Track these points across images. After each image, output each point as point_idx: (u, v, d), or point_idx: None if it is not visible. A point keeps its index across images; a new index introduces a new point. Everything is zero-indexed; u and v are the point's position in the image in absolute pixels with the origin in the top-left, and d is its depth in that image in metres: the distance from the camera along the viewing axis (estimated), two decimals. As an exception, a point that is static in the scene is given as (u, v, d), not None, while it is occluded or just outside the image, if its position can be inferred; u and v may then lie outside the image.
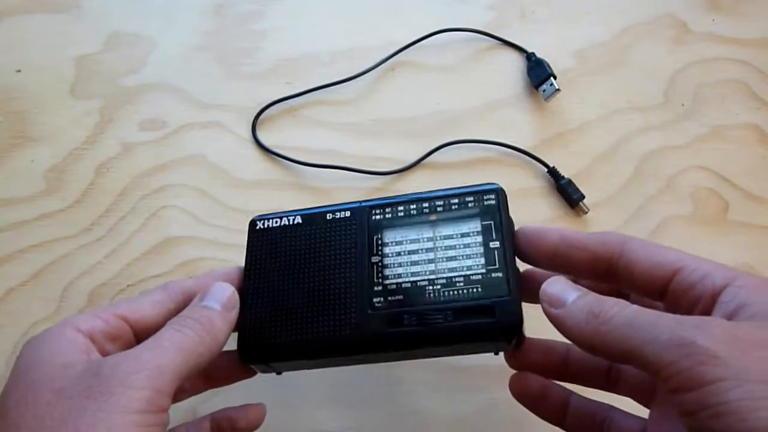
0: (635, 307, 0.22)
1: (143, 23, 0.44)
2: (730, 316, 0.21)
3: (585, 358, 0.29)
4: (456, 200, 0.30)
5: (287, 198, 0.41)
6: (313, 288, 0.29)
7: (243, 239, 0.31)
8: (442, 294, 0.28)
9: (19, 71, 0.42)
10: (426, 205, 0.30)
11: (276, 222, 0.31)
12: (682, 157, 0.43)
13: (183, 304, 0.28)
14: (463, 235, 0.29)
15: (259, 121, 0.42)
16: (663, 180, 0.43)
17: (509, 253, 0.28)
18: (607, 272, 0.26)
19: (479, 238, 0.29)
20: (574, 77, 0.44)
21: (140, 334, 0.27)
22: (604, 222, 0.42)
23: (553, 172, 0.42)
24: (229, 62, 0.43)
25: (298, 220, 0.31)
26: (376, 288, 0.29)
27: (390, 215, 0.30)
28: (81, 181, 0.41)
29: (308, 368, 0.30)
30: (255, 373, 0.30)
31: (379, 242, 0.30)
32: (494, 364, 0.38)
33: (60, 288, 0.39)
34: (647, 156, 0.43)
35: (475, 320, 0.27)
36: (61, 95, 0.42)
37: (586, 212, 0.41)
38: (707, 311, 0.22)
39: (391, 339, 0.28)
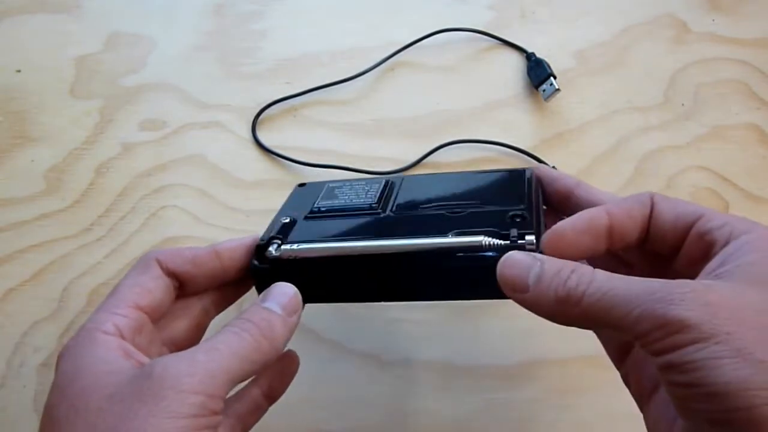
0: (600, 276, 0.21)
1: (143, 23, 0.44)
2: (726, 263, 0.21)
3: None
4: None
5: (287, 198, 0.41)
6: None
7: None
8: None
9: (19, 71, 0.42)
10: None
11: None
12: (682, 157, 0.43)
13: (178, 279, 0.28)
14: None
15: (259, 121, 0.42)
16: (663, 180, 0.43)
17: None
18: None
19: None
20: (574, 77, 0.44)
21: (153, 317, 0.27)
22: (604, 222, 0.42)
23: (553, 172, 0.42)
24: (229, 62, 0.43)
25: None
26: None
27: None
28: (81, 181, 0.41)
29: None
30: None
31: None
32: (495, 364, 0.39)
33: (60, 288, 0.39)
34: (647, 156, 0.43)
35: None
36: (61, 95, 0.42)
37: (586, 212, 0.41)
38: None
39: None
